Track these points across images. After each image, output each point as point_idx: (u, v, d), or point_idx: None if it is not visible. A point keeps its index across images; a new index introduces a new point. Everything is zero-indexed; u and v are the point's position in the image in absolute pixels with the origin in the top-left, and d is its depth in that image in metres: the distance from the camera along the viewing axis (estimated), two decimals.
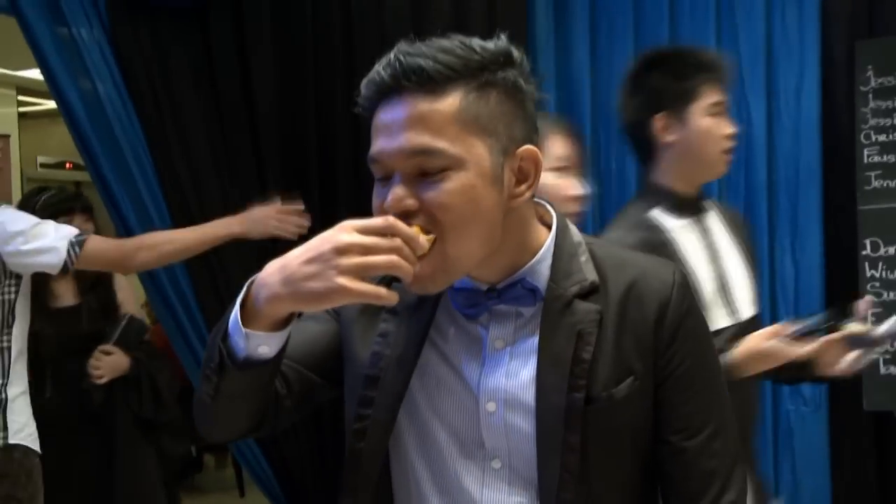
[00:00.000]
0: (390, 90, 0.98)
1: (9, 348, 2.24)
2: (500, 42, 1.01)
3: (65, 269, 2.19)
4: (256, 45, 2.97)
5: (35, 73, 6.51)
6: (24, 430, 2.26)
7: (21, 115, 7.21)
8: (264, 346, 0.97)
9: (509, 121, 1.00)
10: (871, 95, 2.66)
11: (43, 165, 7.69)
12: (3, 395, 2.21)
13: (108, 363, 2.73)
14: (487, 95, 0.98)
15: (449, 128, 0.97)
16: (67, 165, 7.70)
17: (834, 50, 2.72)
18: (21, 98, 7.10)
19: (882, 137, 2.65)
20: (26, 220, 2.21)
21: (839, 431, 2.70)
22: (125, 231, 2.73)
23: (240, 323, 0.97)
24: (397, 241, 0.90)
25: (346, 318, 1.12)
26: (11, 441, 2.21)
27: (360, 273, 0.89)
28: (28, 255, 2.16)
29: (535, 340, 1.04)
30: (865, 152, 2.66)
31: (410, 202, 0.97)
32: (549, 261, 1.06)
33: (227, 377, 0.98)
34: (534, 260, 1.06)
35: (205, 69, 2.92)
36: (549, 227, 1.10)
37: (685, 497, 1.08)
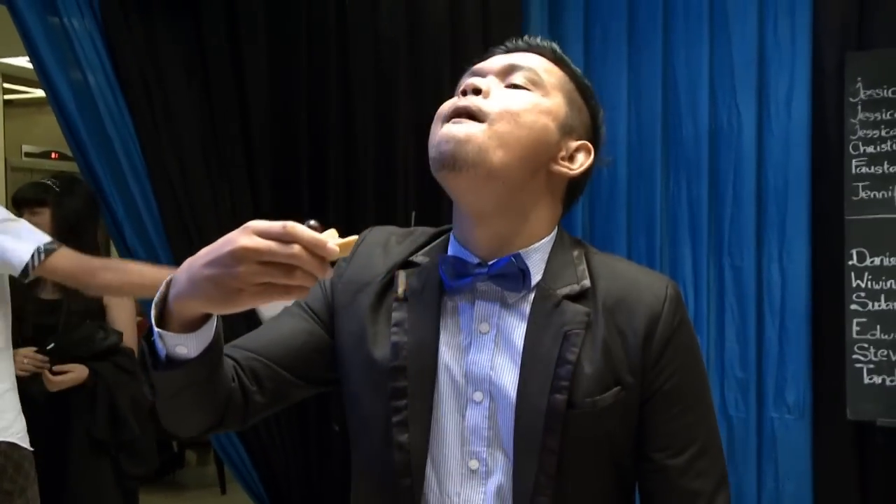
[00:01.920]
0: (516, 49, 1.12)
1: None
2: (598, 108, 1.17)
3: (24, 273, 2.12)
4: (249, 37, 2.96)
5: (21, 61, 6.45)
6: (11, 428, 2.23)
7: (6, 103, 7.15)
8: (181, 346, 0.93)
9: (578, 114, 1.11)
10: (860, 107, 2.67)
11: (28, 154, 7.62)
12: None
13: (67, 377, 2.68)
14: (574, 87, 1.12)
15: (550, 76, 1.09)
16: (53, 155, 7.63)
17: (824, 60, 2.74)
18: (6, 86, 7.04)
19: (870, 149, 2.67)
20: (2, 213, 2.17)
21: (822, 440, 2.71)
22: (112, 222, 2.71)
23: (152, 322, 0.93)
24: (295, 249, 0.83)
25: (354, 317, 1.10)
26: (1, 438, 2.18)
27: (254, 281, 0.84)
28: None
29: (522, 336, 1.04)
30: (854, 163, 2.68)
31: (486, 86, 1.06)
32: (543, 254, 1.07)
33: (154, 376, 0.95)
34: (531, 246, 1.06)
35: (197, 61, 2.91)
36: (555, 226, 1.12)
37: None
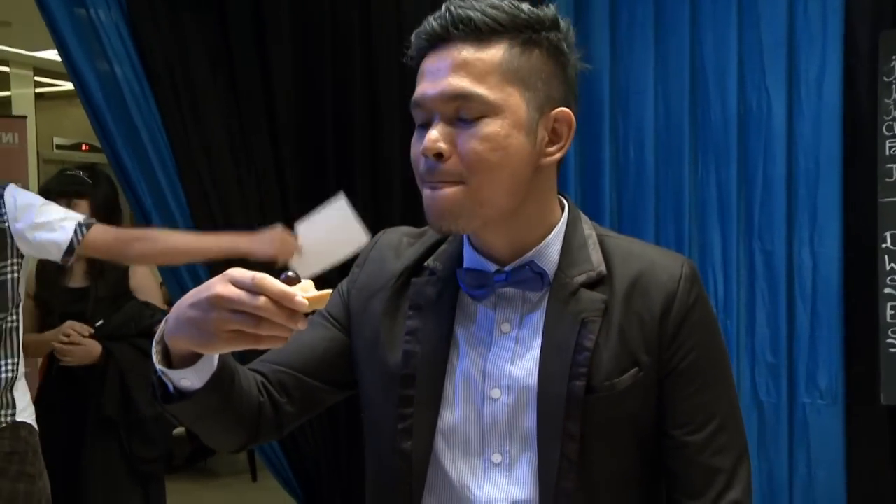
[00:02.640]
0: (439, 39, 1.02)
1: (17, 328, 2.27)
2: (548, 9, 1.05)
3: (69, 251, 2.19)
4: (274, 28, 2.96)
5: (52, 55, 6.53)
6: (28, 409, 2.32)
7: (38, 96, 7.24)
8: (184, 379, 0.96)
9: (548, 79, 1.04)
10: (894, 86, 2.62)
11: (59, 147, 7.73)
12: (15, 373, 2.24)
13: (79, 351, 2.72)
14: (530, 52, 1.02)
15: (490, 76, 1.00)
16: (83, 147, 7.72)
17: (857, 40, 2.68)
18: (38, 79, 7.12)
19: None
20: (36, 197, 2.24)
21: (855, 425, 2.68)
22: (141, 213, 2.73)
23: (154, 358, 0.96)
24: (260, 301, 0.85)
25: (368, 322, 1.13)
26: (19, 419, 2.24)
27: (225, 328, 0.87)
28: (38, 228, 2.18)
29: (541, 327, 1.05)
30: (887, 144, 2.63)
31: (444, 146, 1.00)
32: (558, 245, 1.07)
33: (167, 407, 0.99)
34: (543, 243, 1.07)
35: (222, 52, 2.92)
36: (563, 212, 1.11)
37: (688, 493, 1.06)
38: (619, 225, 2.94)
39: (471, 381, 1.06)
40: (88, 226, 2.22)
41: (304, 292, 0.88)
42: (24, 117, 5.82)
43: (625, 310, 1.04)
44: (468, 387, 1.06)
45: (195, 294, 0.90)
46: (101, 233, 2.25)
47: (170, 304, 3.14)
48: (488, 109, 0.99)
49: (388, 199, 3.00)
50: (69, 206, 2.81)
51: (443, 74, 1.00)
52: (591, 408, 1.01)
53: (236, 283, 0.87)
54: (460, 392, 1.06)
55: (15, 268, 2.24)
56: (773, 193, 2.77)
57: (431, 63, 1.02)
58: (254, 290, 0.86)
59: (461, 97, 0.99)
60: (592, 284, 1.05)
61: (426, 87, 1.02)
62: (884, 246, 2.61)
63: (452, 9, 1.01)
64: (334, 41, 3.01)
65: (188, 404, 0.97)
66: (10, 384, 2.25)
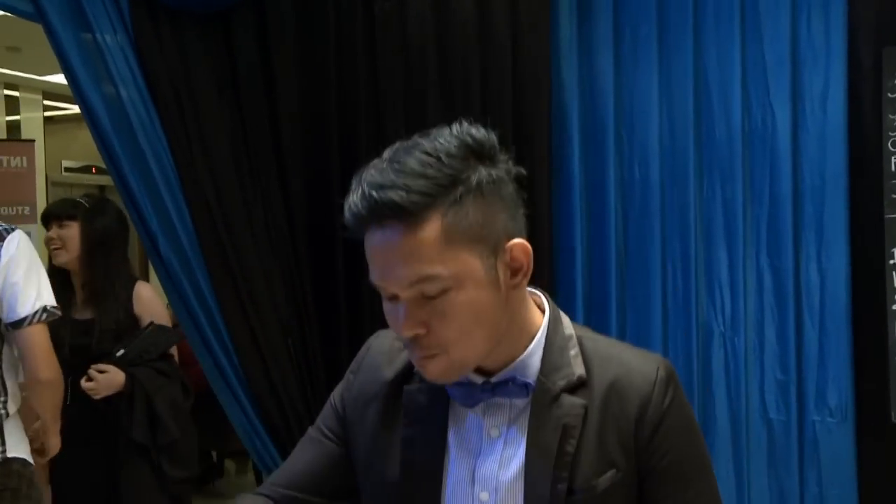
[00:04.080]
0: (371, 223, 0.99)
1: (0, 366, 2.26)
2: (463, 136, 1.00)
3: (16, 324, 2.23)
4: (279, 49, 2.98)
5: (60, 78, 6.57)
6: (22, 444, 2.30)
7: (47, 120, 7.29)
8: None
9: (491, 221, 1.01)
10: None
11: (68, 169, 7.78)
12: (4, 412, 2.24)
13: (103, 379, 2.75)
14: (465, 206, 0.98)
15: (437, 252, 0.98)
16: (93, 170, 7.76)
17: (861, 56, 2.69)
18: (46, 102, 7.18)
19: None
20: (33, 257, 2.29)
21: (866, 443, 2.66)
22: (146, 234, 2.74)
23: None
24: None
25: (365, 432, 1.16)
26: (10, 454, 2.23)
27: None
28: (10, 287, 2.21)
29: (526, 431, 1.08)
30: (893, 160, 2.62)
31: (418, 329, 1.01)
32: (539, 354, 1.10)
33: None
34: (525, 353, 1.10)
35: (228, 74, 2.93)
36: (543, 312, 1.13)
37: None
38: (625, 244, 2.94)
39: (461, 485, 1.10)
40: (51, 316, 2.27)
41: None
42: (33, 141, 5.87)
43: (602, 414, 1.07)
44: (457, 490, 1.10)
45: None
46: (45, 333, 2.29)
47: (176, 325, 3.15)
48: (449, 284, 0.98)
49: None
50: (60, 227, 2.87)
51: (391, 263, 0.99)
52: None
53: None
54: (451, 496, 1.10)
55: None
56: (779, 210, 2.76)
57: (374, 247, 1.00)
58: None
59: (417, 283, 0.99)
60: (573, 389, 1.08)
61: (381, 274, 1.01)
62: (891, 262, 2.60)
63: (375, 193, 0.96)
64: (339, 63, 3.02)
65: None
66: (1, 424, 2.23)
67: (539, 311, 1.13)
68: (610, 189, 2.92)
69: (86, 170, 7.81)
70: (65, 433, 2.51)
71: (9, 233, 2.27)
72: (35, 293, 2.25)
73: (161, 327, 2.90)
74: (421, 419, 1.12)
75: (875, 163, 2.65)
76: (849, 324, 2.66)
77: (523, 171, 1.06)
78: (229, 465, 5.70)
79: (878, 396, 2.61)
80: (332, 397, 1.24)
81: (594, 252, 2.92)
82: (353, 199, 0.99)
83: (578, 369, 1.09)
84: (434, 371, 1.04)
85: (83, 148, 7.37)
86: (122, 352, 2.80)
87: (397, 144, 1.03)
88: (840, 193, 2.68)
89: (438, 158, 0.98)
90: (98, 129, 2.63)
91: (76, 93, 2.61)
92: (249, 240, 2.90)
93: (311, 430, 1.25)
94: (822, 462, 2.69)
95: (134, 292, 2.93)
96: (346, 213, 1.01)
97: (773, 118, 2.77)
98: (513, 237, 1.03)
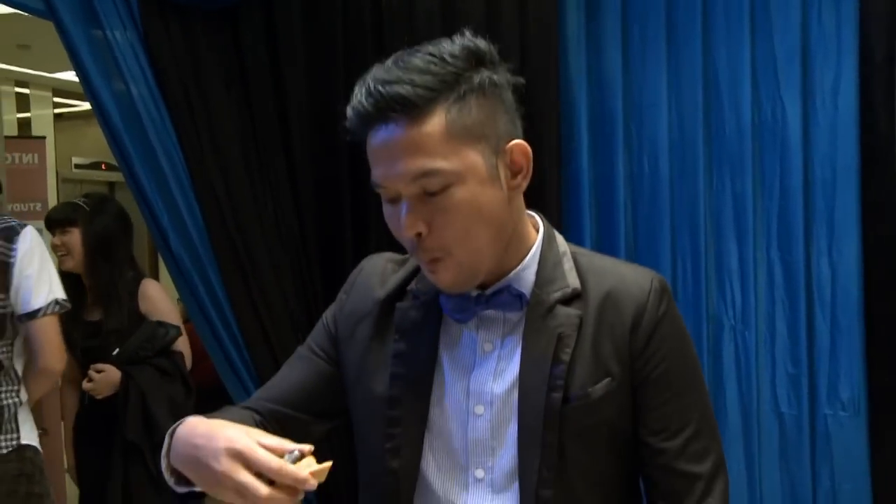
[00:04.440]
0: (376, 120, 1.01)
1: (10, 358, 2.33)
2: (465, 42, 1.04)
3: (30, 315, 2.32)
4: (288, 45, 2.98)
5: (70, 75, 6.60)
6: (32, 433, 2.38)
7: (56, 117, 7.32)
8: (193, 487, 1.06)
9: (493, 120, 1.04)
10: None
11: (78, 166, 7.81)
12: (17, 400, 2.29)
13: (101, 379, 2.76)
14: (468, 103, 1.02)
15: (441, 146, 1.00)
16: (102, 166, 7.79)
17: (873, 48, 2.67)
18: (56, 100, 7.21)
19: None
20: (44, 252, 2.39)
21: (880, 437, 2.64)
22: (157, 231, 2.75)
23: (162, 464, 1.08)
24: (269, 493, 0.94)
25: (356, 348, 1.17)
26: (23, 441, 2.29)
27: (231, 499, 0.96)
28: (25, 280, 2.30)
29: (520, 343, 1.09)
30: None
31: (421, 227, 1.02)
32: (534, 267, 1.11)
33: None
34: (520, 266, 1.11)
35: (236, 70, 2.94)
36: (538, 231, 1.15)
37: (668, 499, 1.10)
38: (634, 238, 2.93)
39: (455, 400, 1.10)
40: (62, 308, 2.38)
41: (309, 468, 0.95)
42: (44, 138, 5.89)
43: (598, 323, 1.09)
44: (453, 406, 1.10)
45: (206, 441, 0.99)
46: (55, 325, 2.38)
47: (186, 319, 3.16)
48: (451, 179, 1.01)
49: None
50: (63, 234, 2.90)
51: (395, 157, 1.01)
52: (567, 417, 1.05)
53: (252, 466, 0.95)
54: (445, 411, 1.10)
55: (9, 301, 2.32)
56: (789, 203, 2.75)
57: (378, 144, 1.03)
58: (270, 477, 0.94)
59: (422, 176, 1.00)
60: (568, 300, 1.09)
61: (384, 171, 1.03)
62: None
63: (381, 88, 1.00)
64: (347, 60, 3.03)
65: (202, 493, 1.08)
66: (15, 412, 2.31)
67: (534, 230, 1.15)
68: (619, 183, 2.91)
69: (95, 166, 7.84)
70: (84, 435, 2.56)
71: (22, 227, 2.34)
72: (48, 286, 2.34)
73: (158, 323, 2.89)
74: (411, 334, 1.12)
75: (887, 156, 2.63)
76: (861, 317, 2.65)
77: (522, 80, 1.10)
78: None
79: (890, 390, 2.60)
80: (323, 317, 1.25)
81: (604, 246, 2.92)
82: (359, 98, 1.03)
83: (573, 282, 1.10)
84: (445, 278, 1.04)
85: (93, 145, 7.40)
86: (117, 350, 2.81)
87: (400, 51, 1.06)
88: (851, 187, 2.67)
89: (442, 58, 1.01)
90: (109, 125, 2.65)
91: (87, 89, 2.62)
92: (259, 235, 2.91)
93: (300, 349, 1.25)
94: (835, 456, 2.68)
95: (140, 290, 2.94)
96: (350, 114, 1.05)
97: (784, 111, 2.75)
98: (513, 139, 1.06)
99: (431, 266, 1.05)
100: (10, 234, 2.30)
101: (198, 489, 1.06)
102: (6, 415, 2.27)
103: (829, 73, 2.70)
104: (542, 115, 2.89)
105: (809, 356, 2.72)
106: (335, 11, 3.01)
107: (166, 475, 1.09)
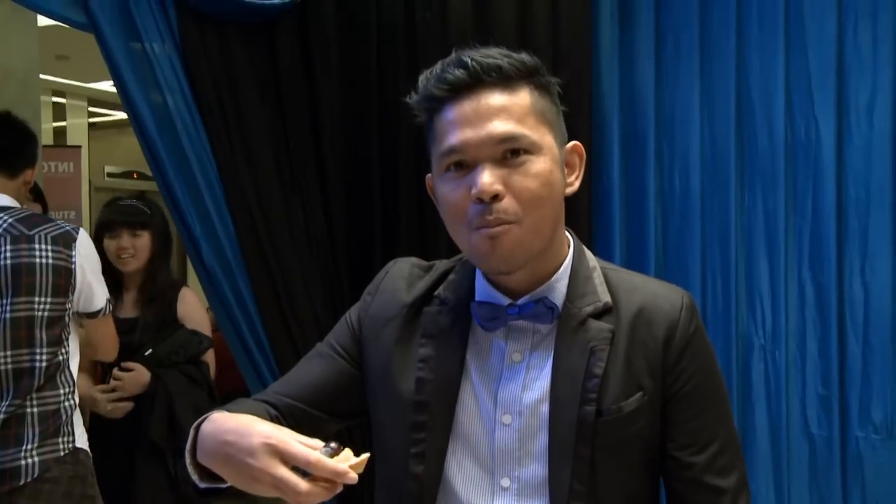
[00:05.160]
0: (467, 87, 1.07)
1: (67, 359, 2.39)
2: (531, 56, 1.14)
3: (93, 314, 2.51)
4: (322, 58, 3.01)
5: (104, 85, 6.71)
6: (83, 436, 2.43)
7: (90, 126, 7.44)
8: (220, 483, 1.07)
9: (559, 117, 1.15)
10: None
11: (110, 175, 7.92)
12: (73, 402, 2.35)
13: (129, 378, 2.79)
14: (545, 93, 1.12)
15: (527, 117, 1.08)
16: (134, 175, 7.89)
17: None
18: (91, 109, 7.32)
19: None
20: (96, 256, 2.57)
21: None
22: (190, 241, 2.78)
23: (186, 460, 1.09)
24: (308, 488, 0.96)
25: (381, 350, 1.17)
26: (77, 444, 2.33)
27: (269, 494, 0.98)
28: (87, 284, 2.46)
29: (551, 356, 1.10)
30: None
31: (500, 187, 1.05)
32: (566, 280, 1.14)
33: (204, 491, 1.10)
34: (554, 277, 1.13)
35: (270, 82, 2.97)
36: (569, 247, 1.18)
37: None
38: (664, 254, 2.92)
39: (482, 408, 1.11)
40: (112, 306, 2.59)
41: (346, 461, 0.95)
42: (79, 147, 5.98)
43: (630, 338, 1.10)
44: (480, 413, 1.11)
45: (238, 438, 0.99)
46: (112, 324, 2.63)
47: (216, 328, 3.18)
48: (533, 148, 1.07)
49: (434, 228, 3.01)
50: (133, 236, 2.92)
51: (485, 120, 1.06)
52: (600, 430, 1.07)
53: (289, 461, 0.96)
54: (472, 419, 1.11)
55: (69, 305, 2.40)
56: (822, 222, 2.72)
57: (466, 109, 1.07)
58: (307, 471, 0.95)
59: (508, 139, 1.06)
60: (599, 314, 1.12)
61: (468, 133, 1.06)
62: None
63: (477, 58, 1.08)
64: (380, 72, 3.05)
65: (223, 488, 1.09)
66: (71, 414, 2.36)
67: (566, 244, 1.18)
68: (650, 198, 2.90)
69: (127, 175, 7.94)
70: (94, 430, 2.60)
71: (77, 232, 2.44)
72: (102, 287, 2.50)
73: (193, 332, 2.93)
74: (439, 339, 1.13)
75: None
76: (894, 338, 2.62)
77: (560, 90, 1.18)
78: None
79: None
80: (346, 316, 1.25)
81: (633, 261, 2.90)
82: (447, 70, 1.08)
83: (604, 296, 1.13)
84: (506, 244, 1.05)
85: (126, 153, 7.51)
86: (150, 351, 2.84)
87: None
88: (886, 206, 2.64)
89: (520, 54, 1.13)
90: (144, 135, 2.68)
91: (125, 100, 2.66)
92: (290, 245, 2.93)
93: (321, 346, 1.25)
94: (867, 479, 2.64)
95: (179, 295, 2.98)
96: (435, 85, 1.08)
97: (818, 128, 2.73)
98: (567, 141, 1.16)
99: (494, 233, 1.05)
100: (68, 240, 2.39)
101: (223, 485, 1.06)
102: (64, 417, 2.33)
103: (864, 89, 2.67)
104: (574, 128, 2.85)
105: (841, 377, 2.68)
106: (369, 24, 3.04)
107: (190, 470, 1.09)
